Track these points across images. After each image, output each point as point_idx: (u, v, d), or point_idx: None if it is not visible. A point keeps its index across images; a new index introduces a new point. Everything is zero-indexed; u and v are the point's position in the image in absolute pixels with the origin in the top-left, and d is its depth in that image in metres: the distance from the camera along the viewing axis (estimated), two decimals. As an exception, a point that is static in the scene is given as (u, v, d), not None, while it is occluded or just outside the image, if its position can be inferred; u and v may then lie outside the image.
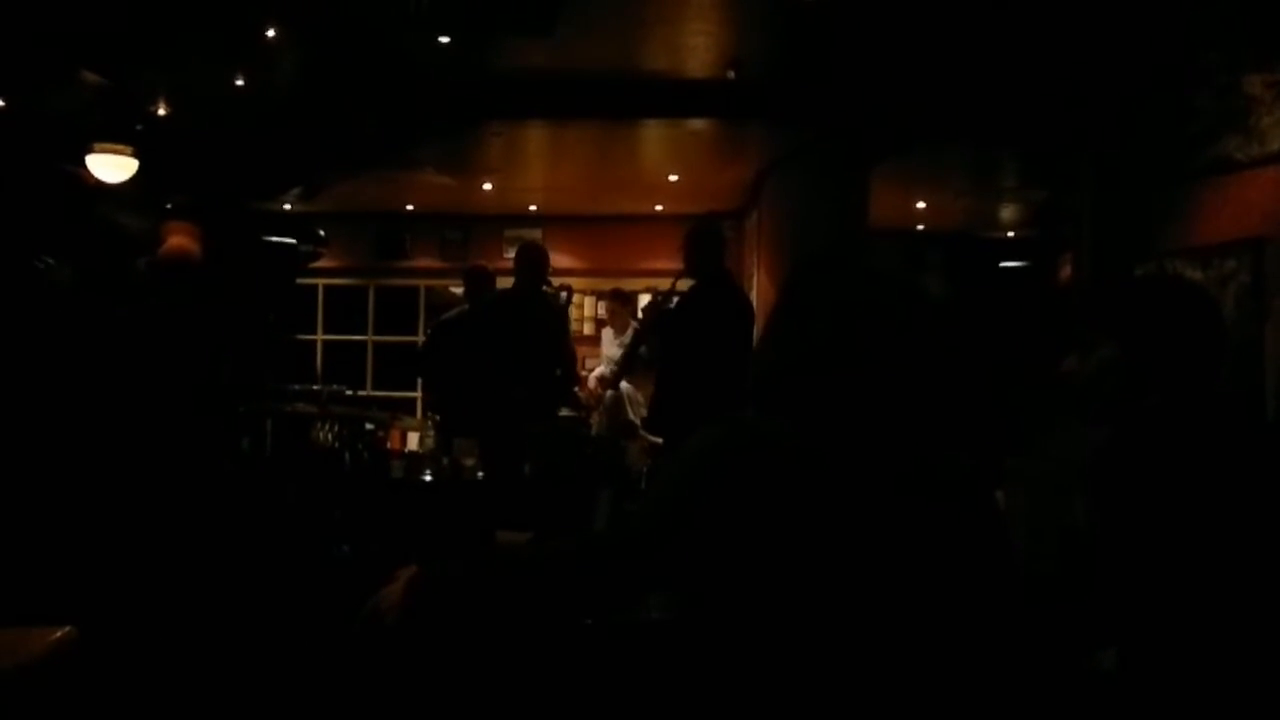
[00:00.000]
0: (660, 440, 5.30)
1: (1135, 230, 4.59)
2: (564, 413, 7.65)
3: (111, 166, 6.48)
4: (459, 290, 8.00)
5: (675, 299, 5.63)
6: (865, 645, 1.41)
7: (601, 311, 9.84)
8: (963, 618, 1.46)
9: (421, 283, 10.53)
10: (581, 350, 8.22)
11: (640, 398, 6.73)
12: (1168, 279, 2.89)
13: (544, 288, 6.01)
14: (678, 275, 5.54)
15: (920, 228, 9.99)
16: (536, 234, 10.22)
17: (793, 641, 1.42)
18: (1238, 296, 3.92)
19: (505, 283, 6.50)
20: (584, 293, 10.18)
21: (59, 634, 2.26)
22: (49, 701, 2.17)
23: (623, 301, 8.32)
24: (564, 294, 6.35)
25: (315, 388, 5.61)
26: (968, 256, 10.00)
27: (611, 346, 7.94)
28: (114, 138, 6.46)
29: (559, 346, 6.01)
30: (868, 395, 1.49)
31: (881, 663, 1.41)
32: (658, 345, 5.72)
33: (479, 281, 6.73)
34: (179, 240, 4.59)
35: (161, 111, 6.52)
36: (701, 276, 5.26)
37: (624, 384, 7.12)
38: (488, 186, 9.09)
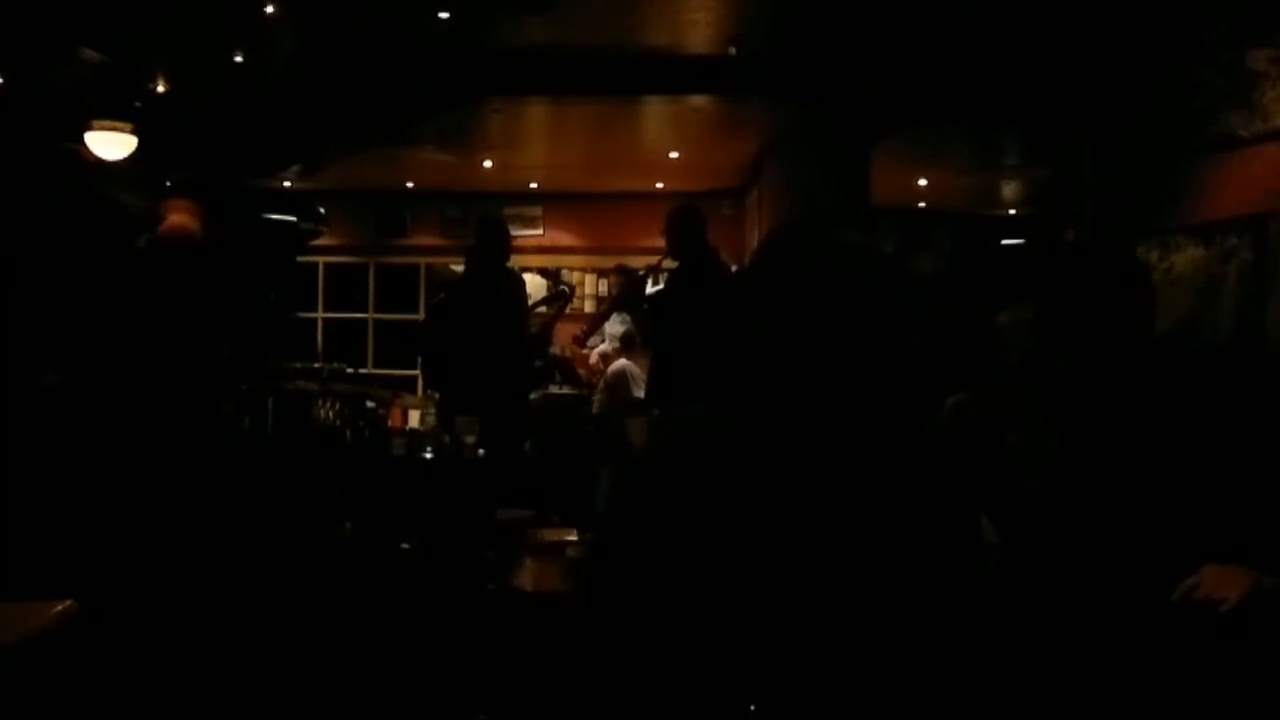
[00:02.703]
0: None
1: (1137, 207, 4.58)
2: (565, 390, 7.68)
3: (111, 144, 6.47)
4: (459, 268, 8.00)
5: (649, 274, 5.70)
6: (826, 623, 1.41)
7: (603, 288, 9.84)
8: (928, 586, 1.45)
9: (422, 260, 10.51)
10: (582, 327, 8.20)
11: (642, 375, 6.75)
12: (1093, 249, 2.99)
13: (558, 284, 6.14)
14: (662, 257, 5.64)
15: (922, 205, 9.96)
16: (537, 211, 10.20)
17: (758, 627, 1.42)
18: (1240, 273, 3.91)
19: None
20: (585, 270, 10.19)
21: (60, 608, 2.27)
22: (50, 675, 2.18)
23: (627, 277, 8.33)
24: (564, 289, 6.47)
25: (316, 366, 5.62)
26: (969, 234, 9.98)
27: (615, 324, 7.94)
28: (113, 115, 6.44)
29: (526, 323, 6.01)
30: (826, 368, 1.47)
31: (849, 640, 1.41)
32: (649, 327, 5.82)
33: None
34: (179, 218, 4.57)
35: (161, 89, 6.49)
36: (684, 258, 5.36)
37: (626, 361, 7.14)
38: (488, 164, 9.06)
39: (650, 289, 7.04)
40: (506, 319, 5.74)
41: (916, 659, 1.41)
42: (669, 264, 5.61)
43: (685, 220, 5.36)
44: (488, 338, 5.60)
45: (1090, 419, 1.95)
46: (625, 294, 6.93)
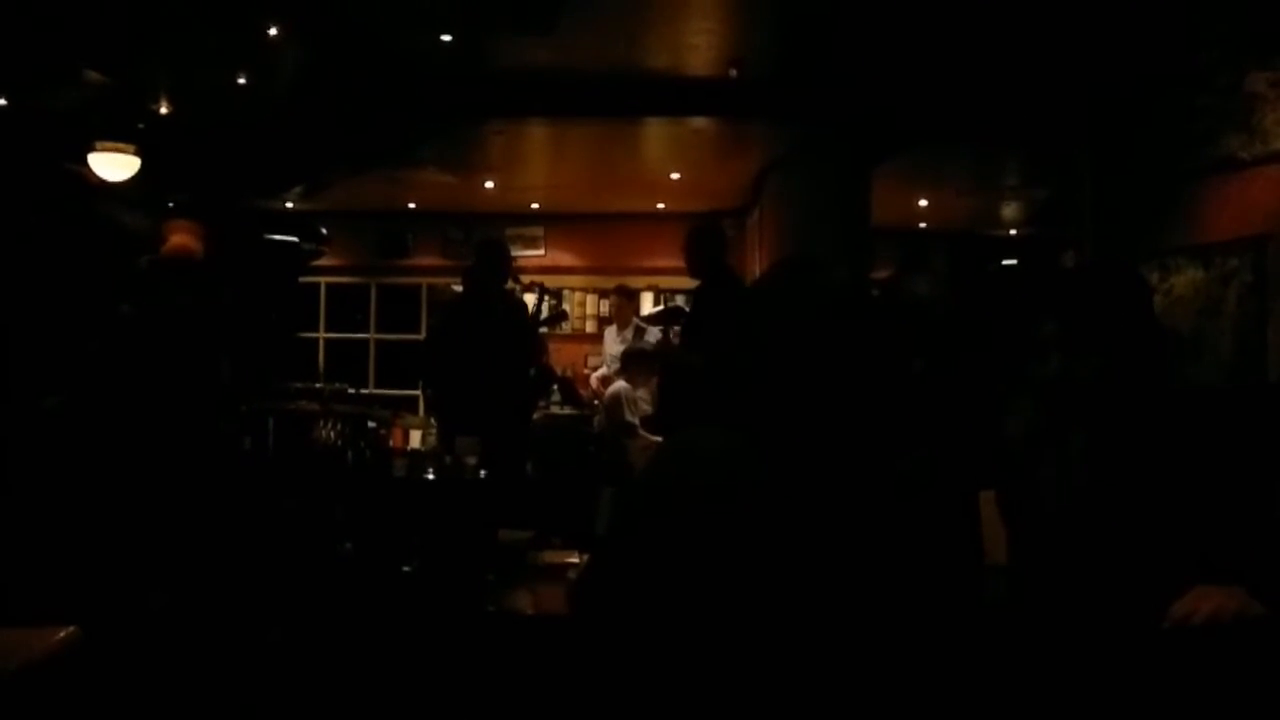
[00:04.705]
0: (660, 440, 5.31)
1: (1137, 228, 4.59)
2: (567, 411, 7.67)
3: (114, 165, 6.49)
4: (460, 289, 8.01)
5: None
6: (823, 643, 1.41)
7: (604, 309, 9.85)
8: (926, 608, 1.45)
9: (424, 281, 10.53)
10: (584, 348, 8.22)
11: (638, 396, 6.74)
12: (1103, 265, 3.15)
13: (514, 285, 6.16)
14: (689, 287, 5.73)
15: (922, 226, 9.98)
16: (538, 232, 10.22)
17: (755, 646, 1.41)
18: (1240, 295, 3.91)
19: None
20: (585, 291, 10.19)
21: (63, 634, 2.26)
22: (53, 701, 2.17)
23: (627, 297, 8.32)
24: (536, 291, 6.49)
25: (318, 386, 5.61)
26: (968, 254, 10.00)
27: (614, 344, 7.93)
28: (116, 136, 6.47)
29: (526, 344, 6.02)
30: (817, 403, 1.47)
31: (848, 660, 1.41)
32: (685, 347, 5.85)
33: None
34: (181, 239, 4.59)
35: (164, 110, 6.51)
36: (704, 276, 5.36)
37: (622, 384, 7.13)
38: (489, 185, 9.09)
39: (650, 309, 7.07)
40: (505, 340, 5.74)
41: (915, 680, 1.42)
42: (667, 283, 5.64)
43: (705, 238, 5.39)
44: (487, 359, 5.61)
45: (1116, 423, 2.00)
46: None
